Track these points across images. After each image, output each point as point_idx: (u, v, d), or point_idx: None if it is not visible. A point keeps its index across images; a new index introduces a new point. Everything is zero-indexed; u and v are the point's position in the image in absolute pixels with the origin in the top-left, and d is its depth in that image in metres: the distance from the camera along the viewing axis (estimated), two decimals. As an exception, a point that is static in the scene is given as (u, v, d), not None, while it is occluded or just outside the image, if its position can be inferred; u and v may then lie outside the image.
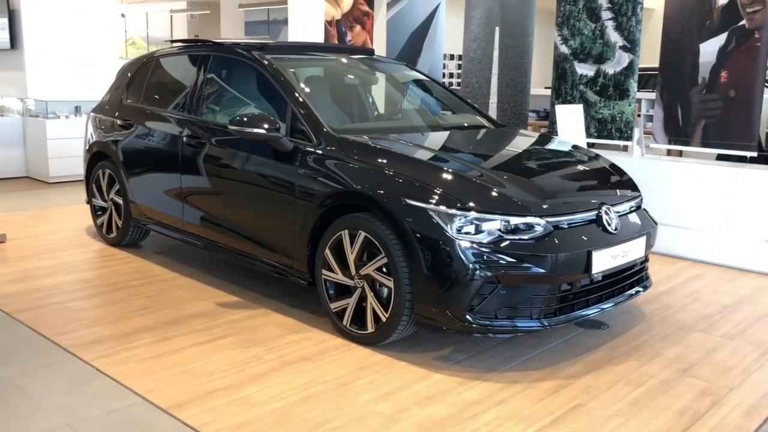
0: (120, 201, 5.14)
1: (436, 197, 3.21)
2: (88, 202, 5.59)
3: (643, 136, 5.81)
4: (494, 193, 3.30)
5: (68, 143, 8.13)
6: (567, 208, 3.38)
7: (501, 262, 3.11)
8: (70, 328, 3.66)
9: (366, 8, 7.59)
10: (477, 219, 3.16)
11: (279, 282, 4.41)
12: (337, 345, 3.52)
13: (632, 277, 3.70)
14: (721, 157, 5.98)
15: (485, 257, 3.11)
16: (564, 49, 6.07)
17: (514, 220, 3.18)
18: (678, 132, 5.48)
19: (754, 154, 5.15)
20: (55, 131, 8.04)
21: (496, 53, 6.54)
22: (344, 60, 4.81)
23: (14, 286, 4.33)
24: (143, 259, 5.00)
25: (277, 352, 3.42)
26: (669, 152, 6.90)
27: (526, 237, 3.18)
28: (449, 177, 3.39)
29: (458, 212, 3.16)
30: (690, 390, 3.12)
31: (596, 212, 3.44)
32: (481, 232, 3.15)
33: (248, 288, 4.35)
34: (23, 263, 4.84)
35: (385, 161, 3.50)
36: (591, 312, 3.40)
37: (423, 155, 3.67)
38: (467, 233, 3.15)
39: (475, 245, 3.12)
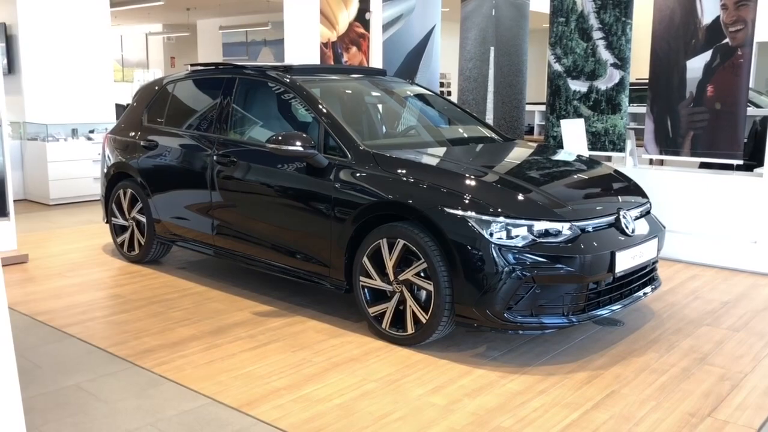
0: (142, 219, 5.31)
1: (473, 205, 3.49)
2: (107, 222, 5.73)
3: (636, 147, 6.18)
4: (526, 200, 3.59)
5: (67, 165, 8.24)
6: (591, 213, 3.68)
7: (536, 263, 3.39)
8: (120, 339, 3.83)
9: (362, 30, 7.89)
10: (512, 224, 3.44)
11: (308, 291, 4.63)
12: (379, 347, 3.75)
13: (646, 276, 4.01)
14: (703, 166, 6.39)
15: (521, 259, 3.39)
16: (557, 66, 6.43)
17: (546, 225, 3.47)
18: (668, 143, 5.85)
19: (741, 162, 5.54)
20: (56, 154, 8.14)
21: (491, 72, 6.88)
22: (363, 79, 5.08)
23: (52, 302, 4.48)
24: (168, 274, 5.17)
25: (324, 354, 3.64)
26: (651, 161, 7.30)
27: (557, 240, 3.47)
28: (483, 186, 3.67)
29: (494, 218, 3.44)
30: (709, 376, 3.42)
31: (615, 216, 3.75)
32: (516, 236, 3.43)
33: (279, 298, 4.56)
34: (52, 281, 4.98)
35: (420, 173, 3.77)
36: (615, 308, 3.70)
37: (455, 167, 3.94)
38: (503, 238, 3.42)
39: (511, 248, 3.40)
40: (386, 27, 7.70)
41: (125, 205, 5.47)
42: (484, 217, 3.45)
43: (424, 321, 3.62)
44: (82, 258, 5.66)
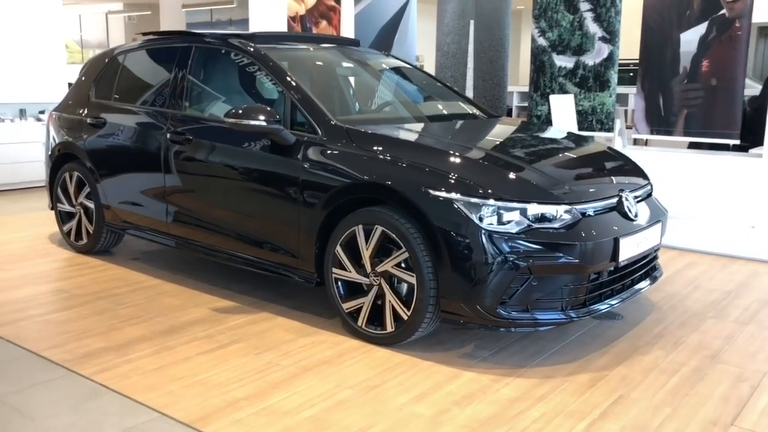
0: (91, 205, 4.79)
1: (462, 187, 3.06)
2: (52, 208, 5.20)
3: (625, 128, 5.82)
4: (520, 181, 3.18)
5: (14, 148, 7.63)
6: (591, 195, 3.28)
7: (532, 251, 2.99)
8: (57, 342, 3.35)
9: (332, 3, 7.39)
10: (504, 207, 3.02)
11: (274, 285, 4.18)
12: (354, 347, 3.32)
13: (648, 264, 3.64)
14: (692, 147, 6.06)
15: (515, 247, 2.98)
16: (542, 41, 6.03)
17: (543, 208, 3.06)
18: (660, 122, 5.50)
19: (737, 141, 5.21)
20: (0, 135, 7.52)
21: (471, 47, 6.45)
22: (335, 50, 4.61)
23: (-17, 299, 3.96)
24: (119, 266, 4.67)
25: (292, 357, 3.20)
26: (636, 141, 6.97)
27: (556, 225, 3.06)
28: (471, 165, 3.25)
29: (484, 201, 3.02)
30: (725, 376, 3.06)
31: (617, 199, 3.36)
32: (510, 221, 3.02)
33: (242, 292, 4.10)
34: (-13, 275, 4.45)
35: (400, 151, 3.33)
36: (614, 303, 3.31)
37: (438, 144, 3.51)
38: (495, 223, 3.01)
39: (504, 235, 2.99)
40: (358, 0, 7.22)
41: (71, 190, 4.94)
42: (473, 200, 3.02)
43: (405, 317, 3.19)
44: (25, 248, 5.13)
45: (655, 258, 3.78)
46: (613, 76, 5.75)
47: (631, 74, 11.19)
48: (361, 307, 3.36)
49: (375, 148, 3.37)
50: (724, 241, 5.14)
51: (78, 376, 2.98)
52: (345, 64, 4.54)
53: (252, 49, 3.99)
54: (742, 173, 5.06)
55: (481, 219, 2.99)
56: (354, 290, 3.41)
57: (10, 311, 3.77)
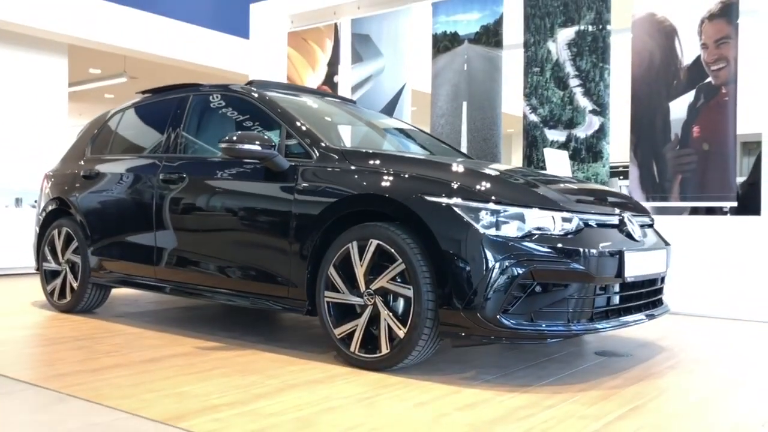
0: (77, 260, 4.64)
1: (459, 191, 2.97)
2: (37, 269, 5.04)
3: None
4: (521, 186, 3.10)
5: (8, 234, 7.54)
6: (593, 208, 3.19)
7: (534, 256, 2.85)
8: (28, 365, 3.12)
9: (329, 92, 7.61)
10: (505, 211, 2.92)
11: (262, 328, 3.97)
12: (347, 372, 3.09)
13: (656, 293, 3.48)
14: (694, 212, 6.00)
15: (517, 252, 2.84)
16: (533, 117, 6.15)
17: (545, 213, 2.96)
18: (655, 188, 5.49)
19: (734, 204, 5.17)
20: (-9, 221, 7.47)
21: (464, 127, 6.58)
22: (329, 100, 4.68)
23: (-46, 338, 3.73)
24: (102, 320, 4.45)
25: (279, 378, 2.96)
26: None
27: (559, 231, 2.94)
28: (472, 173, 3.18)
29: (485, 205, 2.92)
30: (741, 403, 2.82)
31: (620, 218, 3.26)
32: (511, 225, 2.90)
33: (228, 337, 3.88)
34: (-39, 325, 4.22)
35: (395, 164, 3.27)
36: (629, 320, 3.13)
37: (437, 158, 3.45)
38: (495, 228, 2.89)
39: (505, 240, 2.86)
40: (355, 88, 7.44)
41: (59, 247, 4.81)
42: (473, 204, 2.93)
43: (401, 336, 2.99)
44: (6, 308, 4.91)
45: (661, 290, 3.62)
46: (606, 147, 5.81)
47: (621, 177, 11.43)
48: (354, 330, 3.15)
49: (371, 162, 3.32)
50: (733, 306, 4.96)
51: (45, 389, 2.73)
52: (342, 114, 4.57)
53: (249, 90, 4.03)
54: (739, 235, 4.98)
55: (480, 223, 2.88)
56: (347, 313, 3.22)
57: (-19, 347, 3.54)
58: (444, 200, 2.97)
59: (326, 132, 3.88)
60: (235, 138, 3.49)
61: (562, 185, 3.47)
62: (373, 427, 2.31)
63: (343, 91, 7.51)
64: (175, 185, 4.01)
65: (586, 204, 3.23)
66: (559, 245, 2.90)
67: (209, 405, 2.53)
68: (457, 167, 3.28)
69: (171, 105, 4.46)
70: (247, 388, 2.77)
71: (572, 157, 5.91)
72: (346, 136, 4.34)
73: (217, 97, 4.26)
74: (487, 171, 3.25)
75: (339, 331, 3.22)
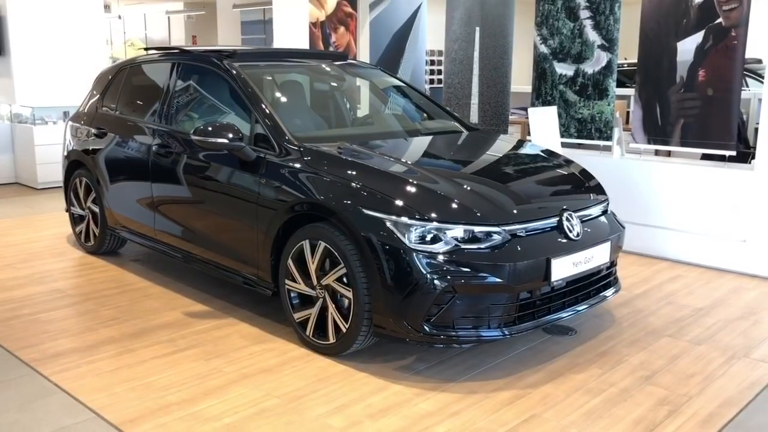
0: (96, 210, 5.15)
1: (394, 207, 3.19)
2: (67, 210, 5.60)
3: (623, 135, 5.75)
4: (451, 203, 3.27)
5: (56, 149, 8.12)
6: (526, 215, 3.34)
7: (457, 271, 3.09)
8: (34, 341, 3.67)
9: (349, 9, 7.55)
10: (432, 229, 3.14)
11: (250, 291, 4.40)
12: (300, 356, 3.51)
13: (598, 282, 3.67)
14: (706, 157, 5.92)
15: (441, 267, 3.09)
16: (543, 48, 6.02)
17: (470, 230, 3.16)
18: (657, 131, 5.42)
19: (733, 153, 5.09)
20: (43, 137, 8.06)
21: (476, 54, 6.50)
22: (316, 66, 4.79)
23: (-14, 298, 4.36)
24: (119, 267, 5.00)
25: (237, 364, 3.41)
26: (657, 152, 6.83)
27: (483, 246, 3.15)
28: (407, 187, 3.36)
29: (414, 222, 3.14)
30: (648, 399, 3.08)
31: (557, 219, 3.41)
32: (437, 241, 3.13)
33: (219, 296, 4.35)
34: (-1, 273, 4.86)
35: (345, 171, 3.48)
36: (553, 318, 3.38)
37: (384, 165, 3.62)
38: (423, 243, 3.13)
39: (430, 255, 3.10)
40: (373, 6, 7.36)
41: (81, 194, 5.32)
42: (403, 220, 3.15)
43: (344, 330, 3.36)
44: (42, 248, 5.54)
45: (610, 274, 3.80)
46: (612, 85, 5.70)
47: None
48: (309, 317, 3.54)
49: (323, 167, 3.52)
50: (714, 254, 5.05)
51: (39, 376, 3.28)
52: (324, 81, 4.69)
53: (226, 66, 4.19)
54: (735, 186, 4.95)
55: (407, 238, 3.12)
56: (305, 301, 3.59)
57: (5, 310, 4.13)
58: (378, 214, 3.19)
59: (297, 117, 4.06)
60: (205, 129, 3.74)
61: (507, 184, 3.60)
62: (286, 439, 2.74)
63: (362, 7, 7.44)
64: (165, 157, 4.35)
65: (523, 207, 3.39)
66: (481, 260, 3.11)
67: (164, 404, 3.01)
68: (402, 180, 3.40)
69: (165, 68, 4.70)
70: (204, 379, 3.24)
71: (578, 93, 5.84)
72: (325, 107, 4.50)
73: (200, 66, 4.45)
74: (426, 185, 3.36)
75: (297, 316, 3.61)
